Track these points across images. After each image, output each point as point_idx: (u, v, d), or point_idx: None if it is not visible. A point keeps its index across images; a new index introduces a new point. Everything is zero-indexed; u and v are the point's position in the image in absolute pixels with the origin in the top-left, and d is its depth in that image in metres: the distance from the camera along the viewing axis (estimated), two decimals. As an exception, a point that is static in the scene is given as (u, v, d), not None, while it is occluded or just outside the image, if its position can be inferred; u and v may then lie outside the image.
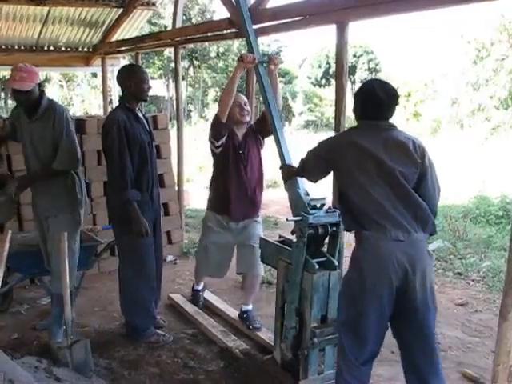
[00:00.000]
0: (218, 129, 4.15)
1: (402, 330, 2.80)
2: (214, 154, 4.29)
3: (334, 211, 3.23)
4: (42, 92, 3.73)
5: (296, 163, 3.35)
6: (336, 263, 3.20)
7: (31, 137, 3.79)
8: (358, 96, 2.91)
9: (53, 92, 24.32)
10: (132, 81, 3.89)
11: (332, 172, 3.03)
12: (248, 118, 4.31)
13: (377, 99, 2.79)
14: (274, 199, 9.46)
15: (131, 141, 3.82)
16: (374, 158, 2.73)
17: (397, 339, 2.87)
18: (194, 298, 4.86)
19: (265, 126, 4.16)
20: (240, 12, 4.36)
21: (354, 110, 2.93)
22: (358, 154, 2.75)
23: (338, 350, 2.91)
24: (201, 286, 4.88)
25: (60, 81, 24.80)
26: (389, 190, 2.72)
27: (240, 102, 4.23)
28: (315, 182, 3.12)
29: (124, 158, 3.78)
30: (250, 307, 4.43)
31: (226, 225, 4.30)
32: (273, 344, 3.58)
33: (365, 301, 2.70)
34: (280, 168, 3.57)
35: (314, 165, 3.05)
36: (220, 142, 4.17)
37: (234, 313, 4.55)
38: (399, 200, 2.72)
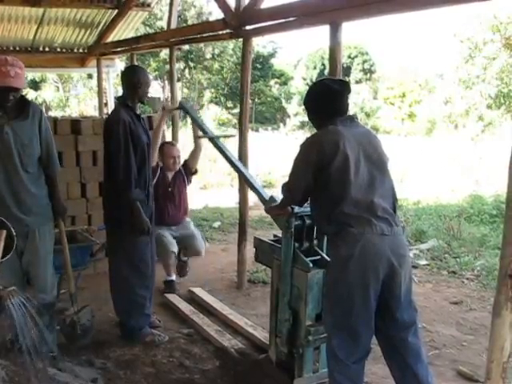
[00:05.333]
0: None
1: (385, 324, 2.83)
2: None
3: None
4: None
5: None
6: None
7: (10, 142, 3.32)
8: (317, 97, 2.94)
9: (48, 93, 24.27)
10: (141, 81, 3.91)
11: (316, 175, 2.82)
12: (178, 168, 5.29)
13: (335, 93, 2.86)
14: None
15: (135, 141, 3.82)
16: (363, 153, 2.76)
17: (378, 335, 2.88)
18: (171, 287, 5.16)
19: (189, 170, 5.39)
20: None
21: (318, 113, 2.95)
22: (347, 150, 2.72)
23: (328, 350, 2.90)
24: (174, 276, 5.25)
25: (56, 82, 24.74)
26: (375, 183, 2.75)
27: (175, 156, 5.21)
28: (302, 200, 2.99)
29: (129, 158, 3.77)
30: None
31: (168, 227, 5.20)
32: (268, 343, 3.59)
33: (353, 299, 2.70)
34: (265, 209, 3.42)
35: (300, 175, 2.87)
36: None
37: (229, 312, 4.56)
38: (383, 194, 2.77)
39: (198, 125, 4.67)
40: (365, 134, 2.88)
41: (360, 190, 2.72)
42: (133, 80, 3.92)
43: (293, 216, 3.12)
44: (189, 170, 5.41)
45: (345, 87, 2.91)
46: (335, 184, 2.73)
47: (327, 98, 2.88)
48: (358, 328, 2.74)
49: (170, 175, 5.29)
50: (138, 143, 3.84)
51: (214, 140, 4.25)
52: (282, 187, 3.08)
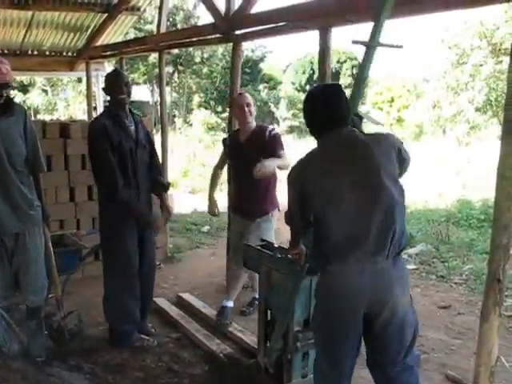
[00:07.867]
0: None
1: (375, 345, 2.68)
2: None
3: None
4: None
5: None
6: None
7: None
8: (308, 112, 2.70)
9: (37, 97, 24.11)
10: (111, 86, 3.92)
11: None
12: (251, 119, 4.32)
13: (321, 108, 2.60)
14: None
15: (113, 145, 3.80)
16: (350, 177, 2.47)
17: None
18: (222, 315, 4.52)
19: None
20: None
21: (310, 126, 2.68)
22: (331, 176, 2.49)
23: (316, 366, 2.84)
24: (230, 303, 4.61)
25: (44, 85, 24.59)
26: (365, 210, 2.44)
27: (242, 103, 4.29)
28: (304, 226, 2.73)
29: (110, 160, 3.77)
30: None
31: (240, 219, 4.57)
32: (257, 348, 3.59)
33: (332, 334, 2.61)
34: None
35: (293, 201, 2.67)
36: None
37: (218, 317, 4.54)
38: (375, 220, 2.43)
39: None
40: (358, 147, 2.51)
41: (345, 219, 2.44)
42: (106, 87, 3.98)
43: (307, 261, 2.90)
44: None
45: (335, 96, 2.62)
46: (321, 215, 2.52)
47: (314, 115, 2.65)
48: (339, 356, 2.66)
49: (243, 137, 4.39)
50: (116, 148, 3.82)
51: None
52: (285, 215, 2.81)
